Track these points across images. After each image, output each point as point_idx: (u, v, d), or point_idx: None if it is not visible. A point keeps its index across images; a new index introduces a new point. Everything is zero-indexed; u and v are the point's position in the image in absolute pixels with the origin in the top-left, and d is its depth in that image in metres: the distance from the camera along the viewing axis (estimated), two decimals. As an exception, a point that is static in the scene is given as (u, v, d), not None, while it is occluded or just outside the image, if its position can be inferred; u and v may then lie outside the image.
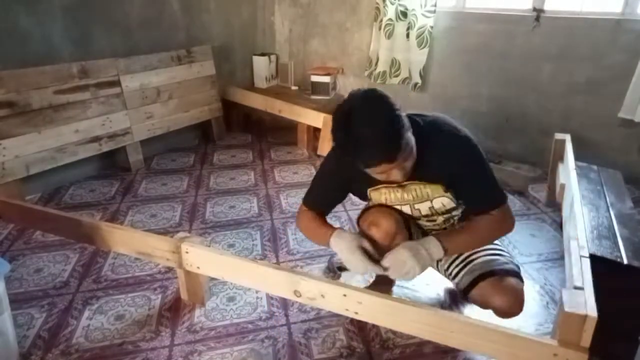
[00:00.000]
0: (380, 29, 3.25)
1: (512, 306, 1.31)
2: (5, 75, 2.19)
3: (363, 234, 1.41)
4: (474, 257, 1.42)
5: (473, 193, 1.34)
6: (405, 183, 1.35)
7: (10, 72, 2.21)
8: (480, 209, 1.35)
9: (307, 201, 1.50)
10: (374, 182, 1.35)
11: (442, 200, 1.37)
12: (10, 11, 2.23)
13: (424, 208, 1.40)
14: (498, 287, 1.32)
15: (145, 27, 2.87)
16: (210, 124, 3.36)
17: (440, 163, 1.27)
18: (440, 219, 1.45)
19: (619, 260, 1.40)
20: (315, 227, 1.45)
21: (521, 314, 1.61)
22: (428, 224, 1.49)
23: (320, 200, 1.49)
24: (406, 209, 1.42)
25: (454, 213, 1.45)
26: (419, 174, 1.30)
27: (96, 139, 2.60)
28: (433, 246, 1.30)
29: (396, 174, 1.22)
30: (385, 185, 1.36)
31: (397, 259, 1.28)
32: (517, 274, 1.37)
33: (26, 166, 2.32)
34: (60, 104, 2.41)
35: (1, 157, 2.21)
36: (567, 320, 1.11)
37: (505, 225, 1.37)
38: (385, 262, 1.30)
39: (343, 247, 1.34)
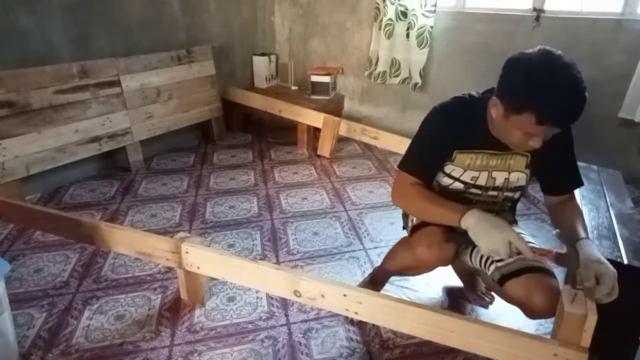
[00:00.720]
0: (380, 29, 3.24)
1: (550, 308, 1.24)
2: (5, 75, 2.19)
3: (413, 249, 1.37)
4: None
5: (569, 170, 1.39)
6: (498, 152, 1.34)
7: (10, 72, 2.21)
8: (572, 186, 1.41)
9: (414, 169, 1.35)
10: (465, 145, 1.34)
11: (519, 175, 1.38)
12: (10, 11, 2.23)
13: (499, 178, 1.39)
14: (544, 284, 1.28)
15: (145, 27, 2.87)
16: (210, 124, 3.36)
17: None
18: (502, 195, 1.43)
19: (619, 260, 1.40)
20: (434, 199, 1.31)
21: (521, 314, 1.61)
22: (487, 199, 1.44)
23: (428, 166, 1.38)
24: (482, 178, 1.38)
25: (516, 195, 1.45)
26: None
27: (96, 139, 2.60)
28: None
29: (540, 142, 1.19)
30: (475, 150, 1.35)
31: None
32: (555, 277, 1.34)
33: (26, 166, 2.31)
34: (60, 104, 2.41)
35: (1, 157, 2.20)
36: (567, 320, 1.11)
37: None
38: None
39: (494, 224, 1.18)
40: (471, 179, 1.39)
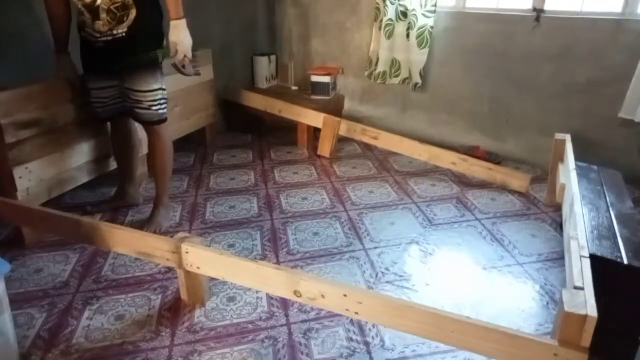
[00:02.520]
0: (380, 29, 3.25)
1: None
2: (35, 89, 1.97)
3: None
4: None
5: None
6: None
7: (40, 85, 2.00)
8: None
9: None
10: None
11: None
12: (10, 11, 2.23)
13: None
14: None
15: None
16: (204, 131, 3.25)
17: None
18: None
19: (619, 260, 1.40)
20: None
21: (521, 314, 1.62)
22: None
23: None
24: None
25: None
26: None
27: (108, 156, 2.43)
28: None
29: None
30: None
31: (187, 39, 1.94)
32: None
33: (48, 190, 2.13)
34: (82, 119, 2.21)
35: (27, 181, 2.00)
36: (567, 320, 1.11)
37: None
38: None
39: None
40: None
